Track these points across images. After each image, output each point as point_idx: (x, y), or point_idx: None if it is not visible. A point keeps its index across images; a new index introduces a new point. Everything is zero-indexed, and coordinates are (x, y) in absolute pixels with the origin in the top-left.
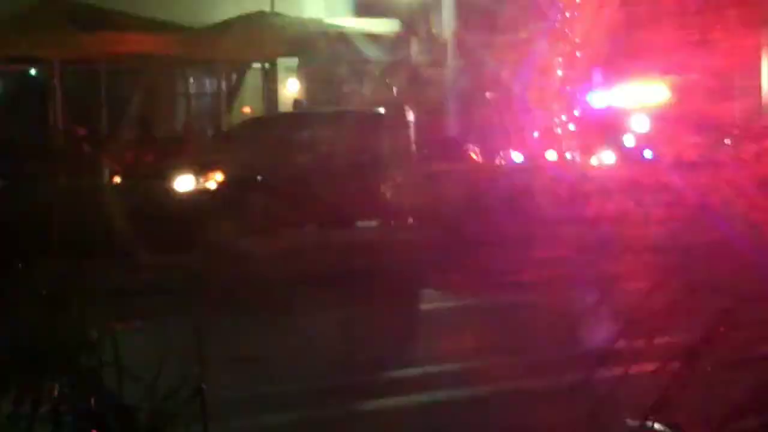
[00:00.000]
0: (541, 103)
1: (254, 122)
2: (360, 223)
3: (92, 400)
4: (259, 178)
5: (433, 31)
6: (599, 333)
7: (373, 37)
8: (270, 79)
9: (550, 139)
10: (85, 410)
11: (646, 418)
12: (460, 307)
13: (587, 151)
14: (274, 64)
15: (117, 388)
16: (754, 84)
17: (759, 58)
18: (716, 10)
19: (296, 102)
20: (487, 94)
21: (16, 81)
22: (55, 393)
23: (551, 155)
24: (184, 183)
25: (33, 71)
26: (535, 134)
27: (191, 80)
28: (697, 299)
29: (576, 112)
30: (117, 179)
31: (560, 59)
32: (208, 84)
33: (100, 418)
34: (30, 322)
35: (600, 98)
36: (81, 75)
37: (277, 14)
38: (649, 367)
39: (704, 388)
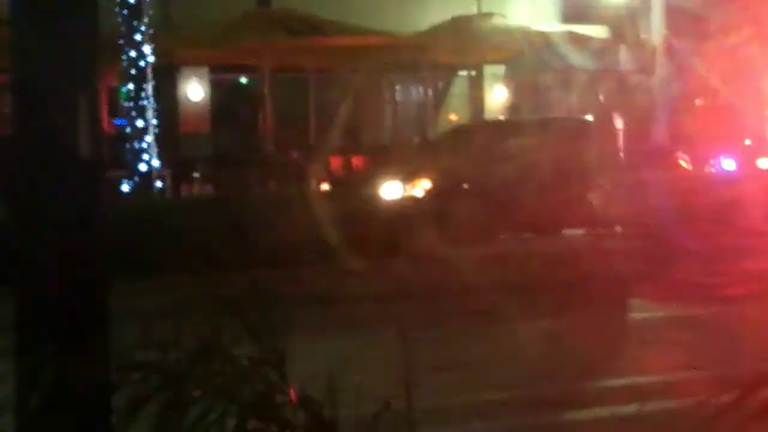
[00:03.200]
0: (753, 110)
1: (461, 130)
2: (566, 231)
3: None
4: (465, 186)
5: (642, 37)
6: None
7: (581, 44)
8: (476, 87)
9: (762, 146)
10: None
11: None
12: (666, 318)
13: None
14: (480, 71)
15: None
16: None
17: None
18: None
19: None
20: (697, 101)
21: (227, 89)
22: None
23: (764, 163)
24: (390, 190)
25: (243, 79)
26: (747, 141)
27: (398, 88)
28: None
29: None
30: (324, 186)
31: None
32: (414, 92)
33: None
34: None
35: None
36: (290, 82)
37: (488, 16)
38: None
39: None
